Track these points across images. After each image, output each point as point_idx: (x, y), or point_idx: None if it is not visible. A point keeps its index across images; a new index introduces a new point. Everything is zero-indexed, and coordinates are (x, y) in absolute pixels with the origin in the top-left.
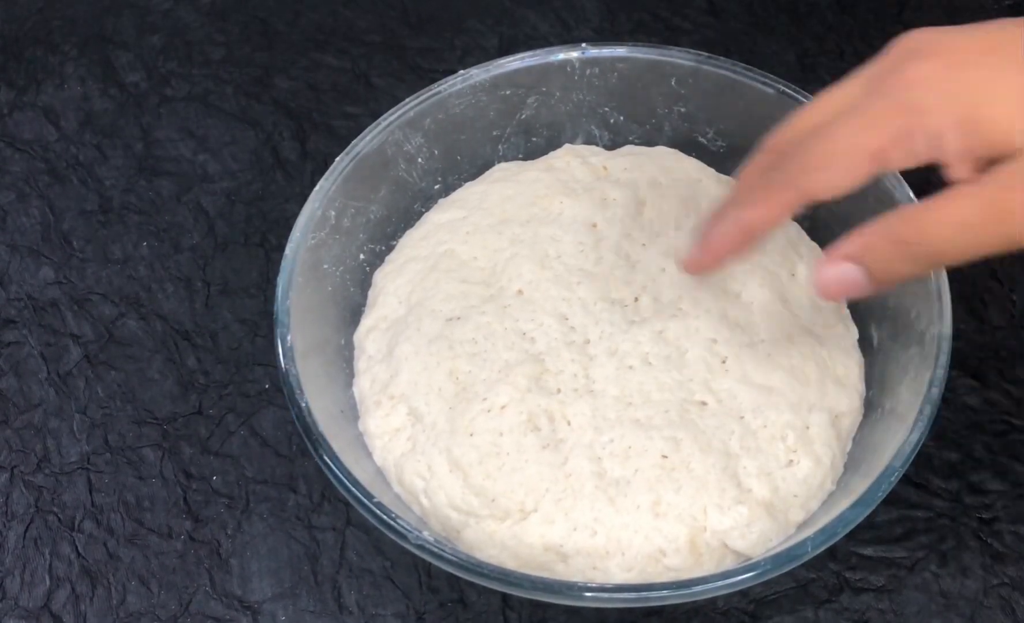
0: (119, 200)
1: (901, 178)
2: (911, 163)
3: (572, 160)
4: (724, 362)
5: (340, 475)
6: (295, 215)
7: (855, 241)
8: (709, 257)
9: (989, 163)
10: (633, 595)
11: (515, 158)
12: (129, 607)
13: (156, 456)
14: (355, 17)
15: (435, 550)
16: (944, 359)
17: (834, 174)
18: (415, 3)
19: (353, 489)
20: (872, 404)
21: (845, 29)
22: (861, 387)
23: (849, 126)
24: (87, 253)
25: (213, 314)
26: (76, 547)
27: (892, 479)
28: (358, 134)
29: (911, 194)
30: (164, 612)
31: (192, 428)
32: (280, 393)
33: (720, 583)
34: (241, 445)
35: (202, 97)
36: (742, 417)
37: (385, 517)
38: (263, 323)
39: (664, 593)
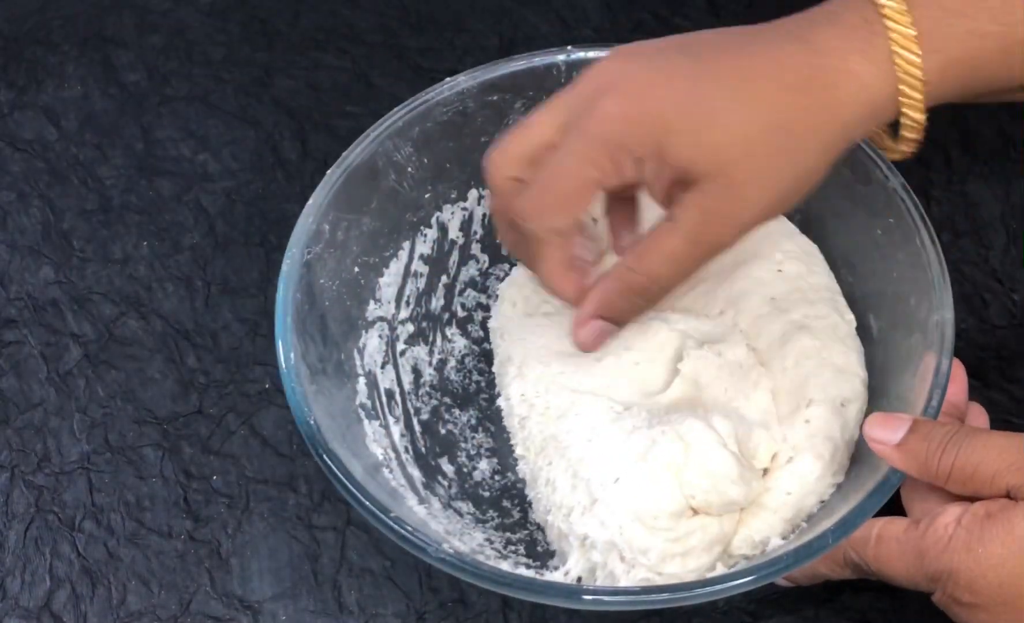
0: (119, 200)
1: (895, 169)
2: (620, 185)
3: None
4: None
5: (355, 490)
6: (295, 215)
7: (595, 298)
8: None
9: (682, 184)
10: (632, 597)
11: None
12: (129, 607)
13: (156, 456)
14: (355, 17)
15: (455, 562)
16: (949, 345)
17: (566, 208)
18: (415, 3)
19: (370, 505)
20: (876, 393)
21: None
22: (863, 373)
23: (568, 166)
24: (87, 253)
25: (213, 313)
26: (76, 547)
27: None
28: (358, 134)
29: (903, 182)
30: (164, 612)
31: (192, 428)
32: (281, 392)
33: (723, 585)
34: (241, 445)
35: (202, 97)
36: (741, 417)
37: (403, 531)
38: (263, 322)
39: (664, 596)
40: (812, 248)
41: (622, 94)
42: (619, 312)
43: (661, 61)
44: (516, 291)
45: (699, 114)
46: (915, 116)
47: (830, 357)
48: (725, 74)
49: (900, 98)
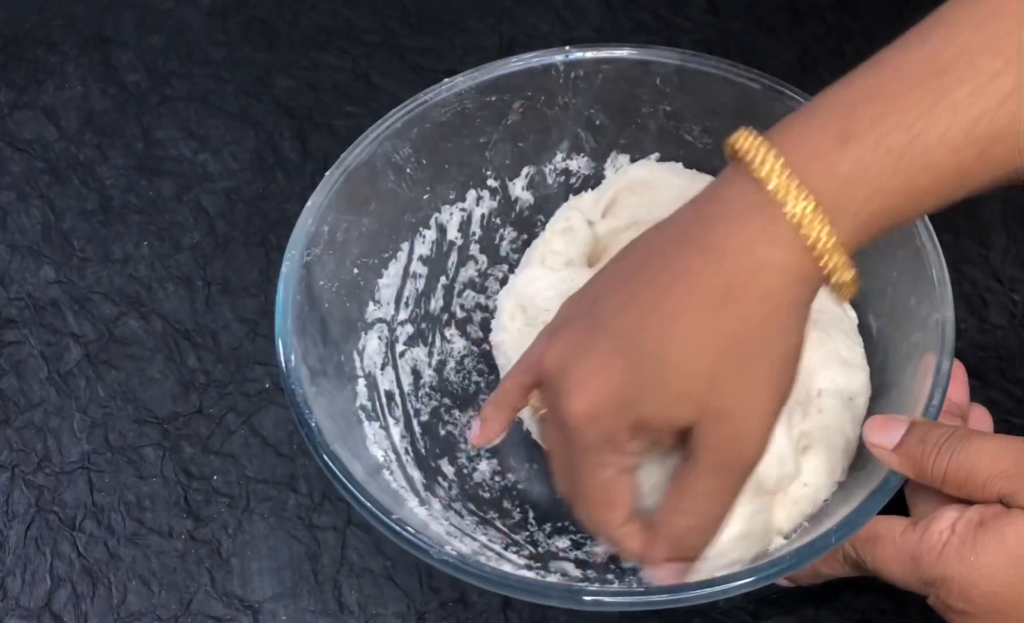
0: (119, 200)
1: None
2: (639, 457)
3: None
4: None
5: (357, 492)
6: (295, 215)
7: (659, 546)
8: (482, 438)
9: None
10: (632, 598)
11: (503, 164)
12: (130, 607)
13: (157, 455)
14: (355, 17)
15: (457, 564)
16: (950, 345)
17: (617, 508)
18: (415, 3)
19: (372, 507)
20: (876, 393)
21: (845, 29)
22: (867, 368)
23: (592, 479)
24: (87, 253)
25: (213, 313)
26: (77, 547)
27: None
28: (358, 134)
29: None
30: (165, 612)
31: (193, 427)
32: (281, 392)
33: (723, 585)
34: (241, 444)
35: (202, 97)
36: None
37: (405, 533)
38: (263, 322)
39: (664, 597)
40: None
41: (577, 393)
42: (685, 551)
43: (590, 342)
44: (514, 302)
45: (650, 377)
46: (845, 277)
47: (836, 349)
48: (647, 324)
49: (822, 268)
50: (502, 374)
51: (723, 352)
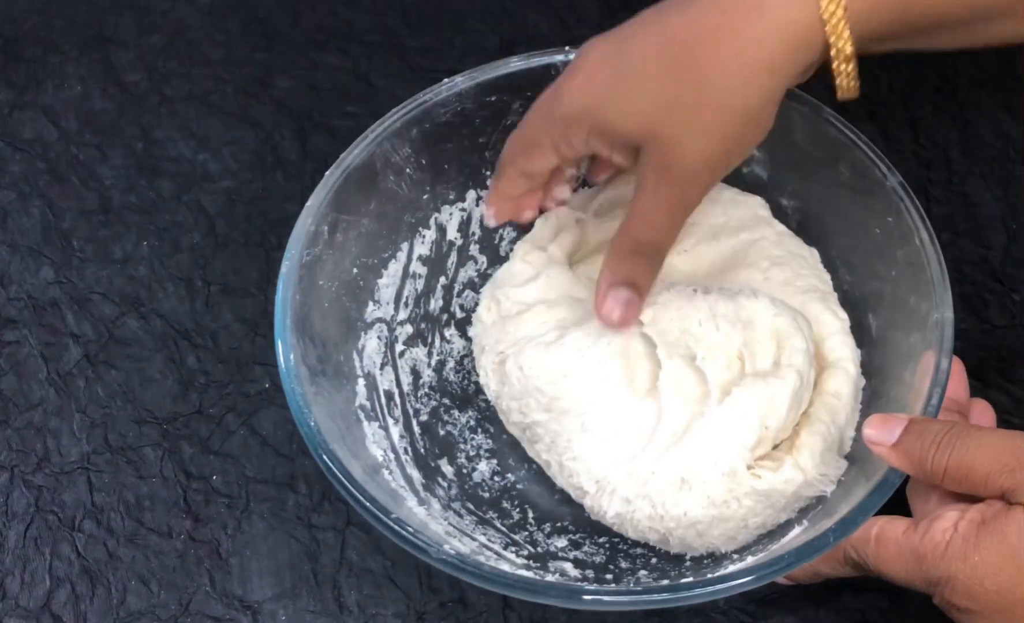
0: (119, 200)
1: (893, 168)
2: (574, 155)
3: None
4: None
5: (356, 492)
6: (295, 215)
7: (603, 272)
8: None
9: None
10: (632, 597)
11: None
12: (129, 607)
13: (156, 455)
14: (355, 17)
15: (456, 563)
16: (949, 344)
17: (522, 158)
18: (415, 3)
19: (371, 507)
20: (876, 393)
21: None
22: (853, 369)
23: (530, 128)
24: (87, 253)
25: (213, 313)
26: (76, 547)
27: None
28: (358, 134)
29: (902, 180)
30: (164, 612)
31: (192, 428)
32: (281, 392)
33: (723, 585)
34: (241, 445)
35: (202, 97)
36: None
37: (404, 532)
38: (263, 322)
39: (664, 596)
40: (803, 250)
41: (573, 80)
42: (626, 274)
43: (604, 48)
44: (490, 294)
45: (623, 88)
46: (843, 48)
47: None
48: (643, 45)
49: (826, 29)
50: (477, 366)
51: (687, 86)
